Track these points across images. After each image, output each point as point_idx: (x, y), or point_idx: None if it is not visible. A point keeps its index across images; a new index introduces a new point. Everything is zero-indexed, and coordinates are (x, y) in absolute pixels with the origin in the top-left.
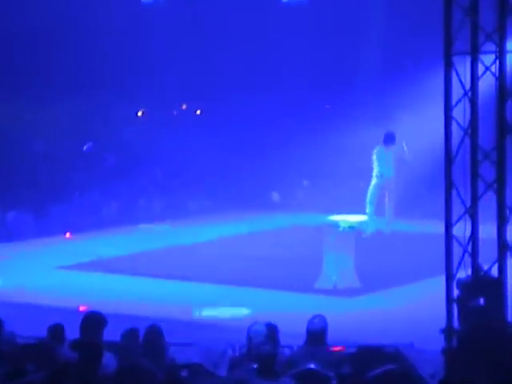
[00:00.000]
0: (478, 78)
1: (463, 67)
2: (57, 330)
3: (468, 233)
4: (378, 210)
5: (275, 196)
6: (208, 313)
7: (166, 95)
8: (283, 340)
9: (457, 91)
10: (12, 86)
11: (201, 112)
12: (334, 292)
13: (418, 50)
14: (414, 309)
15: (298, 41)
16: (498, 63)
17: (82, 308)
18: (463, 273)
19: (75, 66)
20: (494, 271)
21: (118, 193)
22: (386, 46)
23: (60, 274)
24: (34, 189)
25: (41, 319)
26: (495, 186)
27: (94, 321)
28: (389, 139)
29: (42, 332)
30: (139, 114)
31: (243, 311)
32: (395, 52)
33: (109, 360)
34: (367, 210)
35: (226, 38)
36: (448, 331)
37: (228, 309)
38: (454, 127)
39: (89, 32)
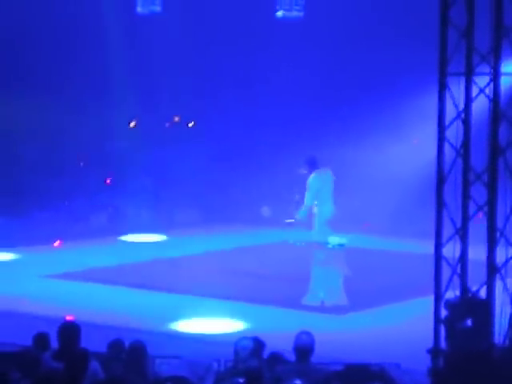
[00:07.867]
0: (471, 100)
1: (457, 88)
2: (42, 339)
3: (458, 254)
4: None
5: (265, 211)
6: (194, 326)
7: (158, 107)
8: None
9: (450, 112)
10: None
11: (194, 124)
12: (321, 309)
13: (413, 68)
14: (401, 328)
15: (293, 54)
16: (492, 85)
17: (68, 317)
18: (452, 293)
19: (66, 74)
20: (483, 293)
21: (107, 202)
22: (380, 62)
23: (47, 282)
24: (21, 195)
25: (26, 327)
26: (486, 207)
27: (69, 330)
28: (315, 163)
29: (27, 340)
30: (131, 125)
31: (230, 325)
32: (390, 70)
33: (96, 369)
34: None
35: (219, 52)
36: (435, 352)
37: (214, 322)
38: (447, 148)
39: (83, 42)
